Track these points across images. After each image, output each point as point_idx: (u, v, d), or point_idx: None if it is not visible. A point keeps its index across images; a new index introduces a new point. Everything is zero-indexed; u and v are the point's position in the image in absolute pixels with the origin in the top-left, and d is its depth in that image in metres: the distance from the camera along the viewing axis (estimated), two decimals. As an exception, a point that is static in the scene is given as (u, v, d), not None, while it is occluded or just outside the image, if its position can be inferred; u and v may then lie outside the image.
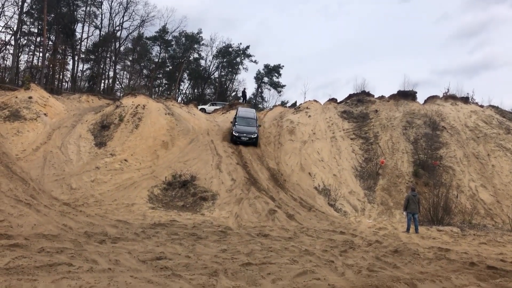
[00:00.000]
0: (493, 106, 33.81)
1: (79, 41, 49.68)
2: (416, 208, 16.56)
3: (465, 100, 33.91)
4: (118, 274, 6.59)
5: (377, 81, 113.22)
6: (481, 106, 33.64)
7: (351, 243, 12.10)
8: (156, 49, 55.79)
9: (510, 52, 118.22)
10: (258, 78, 60.08)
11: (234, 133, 25.34)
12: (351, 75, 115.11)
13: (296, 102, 41.62)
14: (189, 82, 59.55)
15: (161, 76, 58.41)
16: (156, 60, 55.71)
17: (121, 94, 43.32)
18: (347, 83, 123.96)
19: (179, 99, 52.87)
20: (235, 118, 27.31)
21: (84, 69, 51.85)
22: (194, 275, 6.97)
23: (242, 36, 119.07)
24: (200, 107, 36.77)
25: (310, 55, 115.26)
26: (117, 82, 53.62)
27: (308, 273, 7.59)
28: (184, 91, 59.67)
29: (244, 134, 25.26)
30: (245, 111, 28.84)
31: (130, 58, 54.30)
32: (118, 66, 52.93)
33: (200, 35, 56.80)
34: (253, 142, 25.51)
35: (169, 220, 14.03)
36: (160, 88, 58.73)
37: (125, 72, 55.29)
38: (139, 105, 27.16)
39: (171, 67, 57.13)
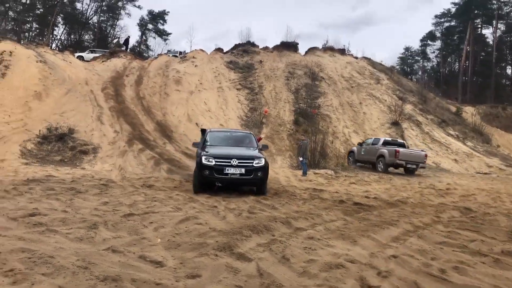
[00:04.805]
0: (366, 58, 36.67)
1: None
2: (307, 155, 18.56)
3: (342, 51, 36.21)
4: (-17, 234, 6.09)
5: (267, 33, 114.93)
6: (356, 58, 36.26)
7: (234, 189, 12.56)
8: (23, -11, 49.78)
9: (385, 10, 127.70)
10: (142, 25, 57.17)
11: (204, 161, 11.22)
12: (243, 27, 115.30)
13: (184, 51, 40.49)
14: (64, 27, 54.44)
15: (31, 20, 52.48)
16: (24, 1, 49.73)
17: (-18, 39, 38.14)
18: (239, 35, 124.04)
19: (53, 45, 48.29)
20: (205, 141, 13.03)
21: None
22: (72, 229, 6.71)
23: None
24: (77, 54, 34.05)
25: (203, 4, 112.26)
26: (-23, 25, 47.08)
27: (191, 219, 7.77)
28: (59, 37, 54.53)
29: (233, 161, 11.17)
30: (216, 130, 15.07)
31: (-8, -2, 47.74)
32: (-23, 7, 46.31)
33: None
34: (258, 180, 11.55)
35: (45, 176, 13.15)
36: (31, 33, 52.94)
37: (-14, 14, 48.63)
38: (4, 51, 24.29)
39: (42, 10, 51.50)
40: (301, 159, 18.07)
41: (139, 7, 56.36)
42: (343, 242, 6.65)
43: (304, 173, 17.49)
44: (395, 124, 27.02)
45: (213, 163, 11.21)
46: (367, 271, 5.18)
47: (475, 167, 24.32)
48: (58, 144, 18.02)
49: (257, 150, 12.48)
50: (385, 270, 5.21)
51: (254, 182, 11.69)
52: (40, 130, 18.58)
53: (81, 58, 33.06)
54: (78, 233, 6.44)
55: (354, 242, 6.65)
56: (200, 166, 11.34)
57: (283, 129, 24.31)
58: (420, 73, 61.90)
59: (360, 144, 21.96)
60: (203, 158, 11.33)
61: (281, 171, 18.22)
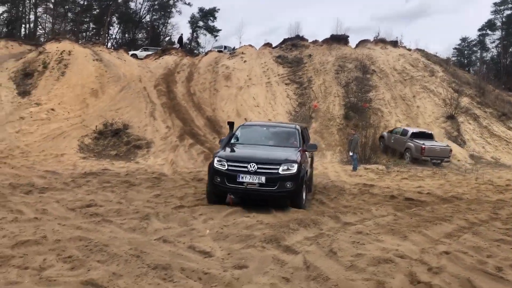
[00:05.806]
0: (419, 50, 35.30)
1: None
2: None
3: (394, 44, 35.03)
4: (45, 223, 6.48)
5: (317, 27, 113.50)
6: (409, 50, 34.98)
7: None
8: (80, -10, 51.92)
9: (439, 0, 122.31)
10: (193, 22, 57.96)
11: (216, 165, 8.72)
12: (293, 22, 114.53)
13: (233, 47, 40.70)
14: (118, 26, 56.35)
15: (88, 20, 54.79)
16: (82, 2, 51.98)
17: (44, 39, 40.26)
18: (288, 29, 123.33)
19: (109, 44, 50.08)
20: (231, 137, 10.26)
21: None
22: (125, 219, 7.01)
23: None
24: (131, 52, 35.15)
25: (253, 0, 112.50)
26: (40, 27, 49.70)
27: (239, 211, 7.88)
28: (114, 36, 56.52)
29: (251, 166, 8.35)
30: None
31: (53, 0, 50.20)
32: (39, 9, 48.82)
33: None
34: (286, 193, 8.52)
35: (101, 169, 13.77)
36: (88, 33, 55.25)
37: (47, 16, 51.21)
38: (64, 51, 25.55)
39: (98, 11, 53.60)
40: (351, 154, 17.75)
41: (189, 4, 56.60)
42: (393, 237, 6.50)
43: (354, 168, 17.18)
44: (451, 117, 25.88)
45: (225, 167, 8.59)
46: (417, 266, 5.05)
47: (539, 163, 22.91)
48: (114, 139, 18.78)
49: (297, 151, 9.16)
50: (436, 266, 5.05)
51: (280, 196, 8.57)
52: (96, 126, 19.45)
53: (134, 56, 34.14)
54: (131, 224, 6.71)
55: (405, 238, 6.48)
56: (211, 170, 8.83)
57: (332, 124, 23.99)
58: (478, 64, 58.90)
59: (390, 132, 22.47)
60: (215, 160, 8.81)
61: (331, 166, 18.03)
